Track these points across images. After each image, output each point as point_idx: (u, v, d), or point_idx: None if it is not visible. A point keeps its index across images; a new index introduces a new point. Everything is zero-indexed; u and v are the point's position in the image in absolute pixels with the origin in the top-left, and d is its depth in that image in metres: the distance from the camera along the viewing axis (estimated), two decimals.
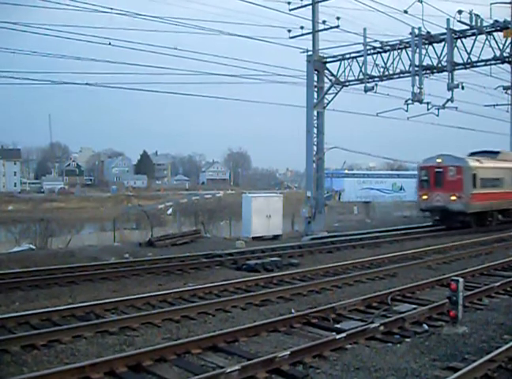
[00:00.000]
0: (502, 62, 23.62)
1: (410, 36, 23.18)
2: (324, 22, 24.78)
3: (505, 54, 22.41)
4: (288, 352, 7.67)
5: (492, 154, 30.64)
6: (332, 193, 54.27)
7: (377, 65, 24.85)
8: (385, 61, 24.63)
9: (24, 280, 13.55)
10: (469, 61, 23.06)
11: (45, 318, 10.09)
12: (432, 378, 7.17)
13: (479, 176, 27.33)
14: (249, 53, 28.51)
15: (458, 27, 22.22)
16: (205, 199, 76.56)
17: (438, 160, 27.81)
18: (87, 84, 21.00)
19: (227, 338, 8.70)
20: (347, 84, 26.31)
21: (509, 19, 22.75)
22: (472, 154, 30.63)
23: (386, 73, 24.70)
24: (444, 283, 12.95)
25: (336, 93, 26.63)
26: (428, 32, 23.10)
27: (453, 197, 26.78)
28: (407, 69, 24.00)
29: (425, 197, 28.23)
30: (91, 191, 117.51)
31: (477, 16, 21.57)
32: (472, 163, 27.85)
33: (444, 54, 23.17)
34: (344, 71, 25.99)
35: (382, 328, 9.16)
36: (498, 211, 29.25)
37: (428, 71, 23.97)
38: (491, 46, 22.35)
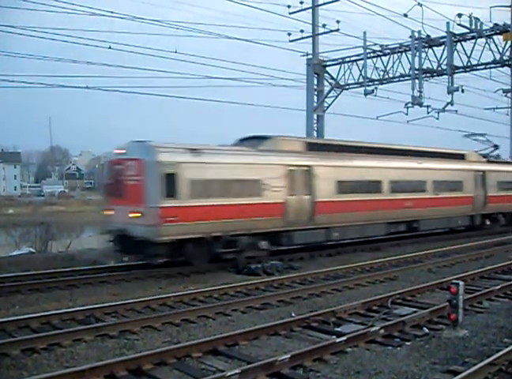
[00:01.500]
0: (502, 66, 23.71)
1: (410, 40, 23.26)
2: (324, 26, 24.97)
3: (504, 58, 22.51)
4: (288, 356, 7.66)
5: (259, 140, 18.62)
6: None
7: (377, 68, 24.97)
8: (385, 64, 24.76)
9: (24, 284, 13.56)
10: (469, 64, 23.16)
11: (45, 322, 10.08)
12: None
13: (185, 177, 15.21)
14: (248, 56, 28.58)
15: (458, 30, 22.34)
16: None
17: (119, 151, 16.14)
18: (87, 87, 21.07)
19: (227, 341, 8.69)
20: (347, 87, 26.41)
21: (508, 22, 22.77)
22: (242, 140, 19.08)
23: (386, 76, 24.79)
24: (444, 286, 12.93)
25: (336, 96, 26.75)
26: (428, 36, 23.19)
27: (134, 214, 15.06)
28: (407, 72, 24.09)
29: (109, 212, 16.39)
30: (91, 194, 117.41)
31: (477, 19, 21.67)
32: (168, 154, 15.26)
33: (444, 57, 23.28)
34: (344, 74, 26.18)
35: (382, 331, 9.14)
36: (259, 235, 17.04)
37: (428, 74, 24.04)
38: (490, 49, 22.45)
